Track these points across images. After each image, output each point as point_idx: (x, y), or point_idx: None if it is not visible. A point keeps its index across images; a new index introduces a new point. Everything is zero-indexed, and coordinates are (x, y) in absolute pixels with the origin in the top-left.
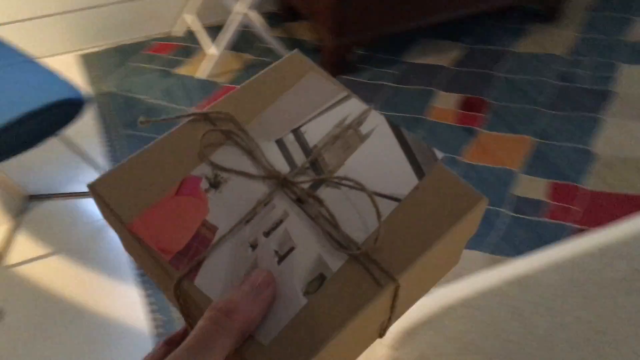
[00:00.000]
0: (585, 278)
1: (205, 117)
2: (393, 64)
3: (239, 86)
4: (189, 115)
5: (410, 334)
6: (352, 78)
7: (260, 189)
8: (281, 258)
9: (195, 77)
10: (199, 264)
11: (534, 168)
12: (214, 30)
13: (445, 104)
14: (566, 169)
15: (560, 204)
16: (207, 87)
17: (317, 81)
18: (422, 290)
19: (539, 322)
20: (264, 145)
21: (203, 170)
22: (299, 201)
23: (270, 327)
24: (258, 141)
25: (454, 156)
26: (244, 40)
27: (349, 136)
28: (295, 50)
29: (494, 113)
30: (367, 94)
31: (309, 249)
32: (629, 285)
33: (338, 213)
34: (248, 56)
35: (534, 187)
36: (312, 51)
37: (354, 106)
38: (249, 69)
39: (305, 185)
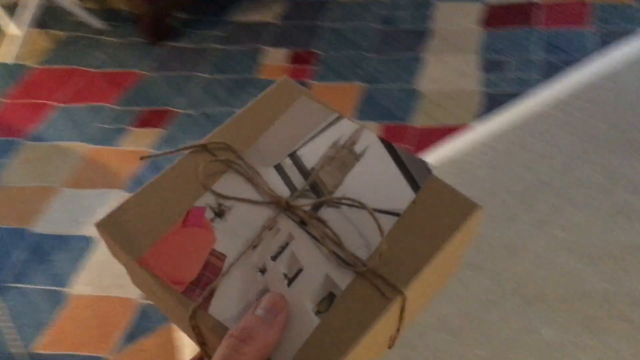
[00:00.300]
0: None
1: (204, 148)
2: (218, 25)
3: (233, 116)
4: (188, 147)
5: None
6: (176, 44)
7: (263, 214)
8: (290, 280)
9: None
10: (212, 293)
11: (366, 112)
12: (14, 8)
13: (275, 60)
14: (395, 110)
15: None
16: (14, 71)
17: (308, 105)
18: (427, 299)
19: None
20: (264, 171)
21: (206, 200)
22: (302, 223)
23: (286, 349)
24: (257, 168)
25: None
26: (52, 16)
27: (344, 156)
28: (284, 76)
29: (323, 63)
30: (194, 59)
31: (316, 270)
32: None
33: (340, 232)
34: (59, 33)
35: None
36: (129, 21)
37: (346, 126)
38: (63, 46)
39: (307, 208)
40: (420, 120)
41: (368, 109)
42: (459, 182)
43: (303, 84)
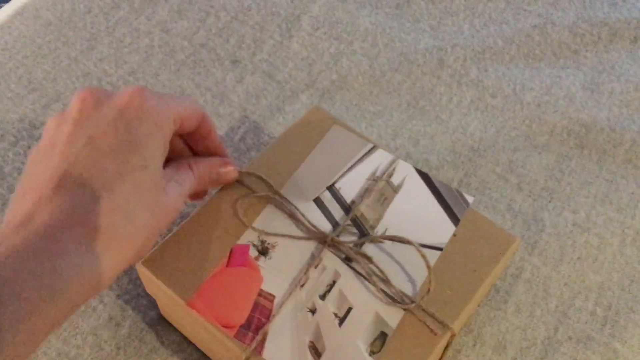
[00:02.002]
0: None
1: (237, 181)
2: None
3: (266, 147)
4: None
5: None
6: None
7: (307, 250)
8: (341, 320)
9: None
10: (264, 336)
11: None
12: None
13: None
14: None
15: None
16: None
17: (341, 135)
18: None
19: None
20: (303, 206)
21: (248, 237)
22: (347, 259)
23: None
24: (296, 202)
25: None
26: None
27: (382, 188)
28: (315, 105)
29: None
30: None
31: (366, 308)
32: None
33: (386, 268)
34: None
35: None
36: None
37: (382, 157)
38: None
39: (351, 244)
40: None
41: None
42: None
43: None
